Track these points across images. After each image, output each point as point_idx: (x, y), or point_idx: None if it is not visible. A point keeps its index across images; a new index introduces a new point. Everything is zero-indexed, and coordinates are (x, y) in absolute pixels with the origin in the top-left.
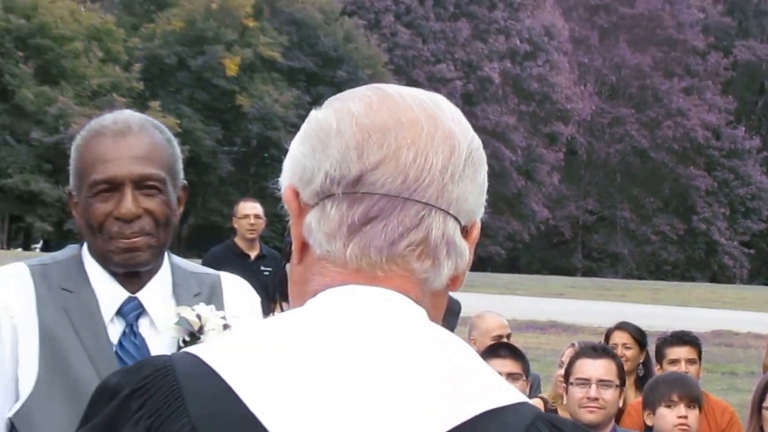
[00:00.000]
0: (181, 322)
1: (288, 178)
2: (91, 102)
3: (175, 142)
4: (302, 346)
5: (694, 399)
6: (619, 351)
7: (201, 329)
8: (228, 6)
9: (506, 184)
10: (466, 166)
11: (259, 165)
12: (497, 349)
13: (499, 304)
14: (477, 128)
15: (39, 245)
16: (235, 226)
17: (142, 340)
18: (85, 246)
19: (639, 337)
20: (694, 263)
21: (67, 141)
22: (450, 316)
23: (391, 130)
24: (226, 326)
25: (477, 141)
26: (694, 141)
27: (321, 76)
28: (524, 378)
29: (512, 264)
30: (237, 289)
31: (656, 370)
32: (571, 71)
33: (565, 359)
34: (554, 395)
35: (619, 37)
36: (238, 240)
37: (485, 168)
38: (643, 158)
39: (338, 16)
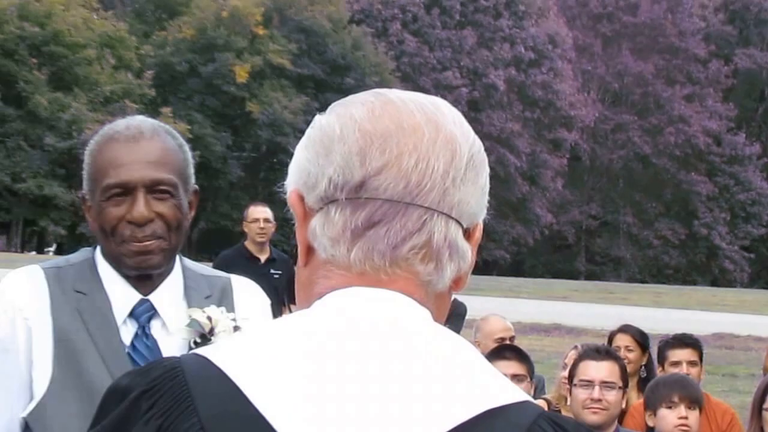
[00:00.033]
0: (193, 323)
1: (293, 182)
2: (103, 108)
3: (186, 147)
4: (309, 347)
5: (694, 400)
6: (622, 353)
7: (212, 331)
8: (238, 14)
9: (511, 189)
10: (468, 169)
11: (268, 170)
12: (502, 351)
13: (503, 307)
14: (482, 134)
15: (52, 249)
16: (245, 230)
17: (154, 341)
18: (98, 249)
19: (641, 339)
20: (696, 267)
21: (80, 146)
22: (456, 319)
23: (393, 136)
24: (236, 328)
25: (478, 144)
26: (695, 147)
27: (329, 83)
28: (529, 379)
29: (517, 268)
30: (247, 292)
31: (658, 372)
32: (575, 79)
33: (569, 361)
34: (558, 396)
35: (622, 45)
36: (248, 244)
37: (486, 170)
38: (646, 164)
39: (346, 24)
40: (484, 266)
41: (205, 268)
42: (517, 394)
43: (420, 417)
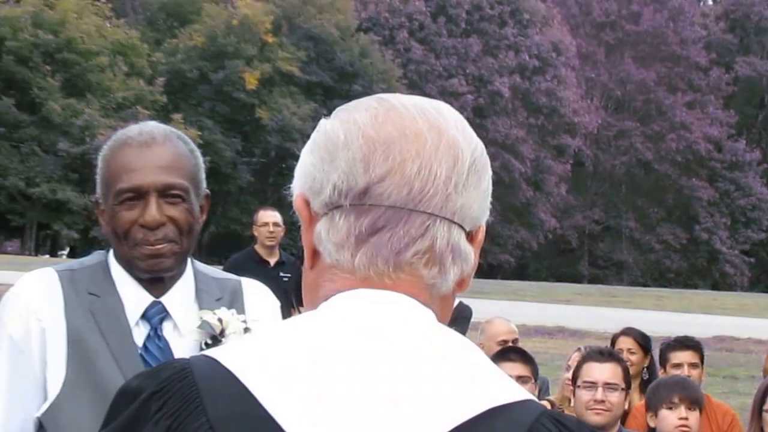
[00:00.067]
0: (204, 325)
1: (299, 186)
2: (116, 114)
3: (198, 152)
4: (316, 347)
5: (694, 401)
6: (625, 356)
7: (222, 332)
8: (248, 22)
9: (515, 194)
10: (470, 174)
11: (277, 175)
12: (507, 352)
13: (508, 310)
14: (487, 140)
15: (65, 252)
16: (255, 233)
17: (166, 343)
18: (111, 252)
19: (643, 342)
20: (697, 271)
21: (92, 151)
22: (461, 322)
23: (396, 143)
24: (246, 330)
25: (480, 147)
26: (696, 153)
27: (337, 90)
28: (533, 381)
29: (521, 271)
30: (258, 294)
31: (660, 374)
32: (578, 86)
33: (572, 363)
34: (561, 398)
35: (625, 53)
36: (258, 247)
37: (489, 173)
38: (648, 170)
39: (354, 32)
40: (489, 270)
41: (216, 271)
42: (519, 393)
43: (425, 416)
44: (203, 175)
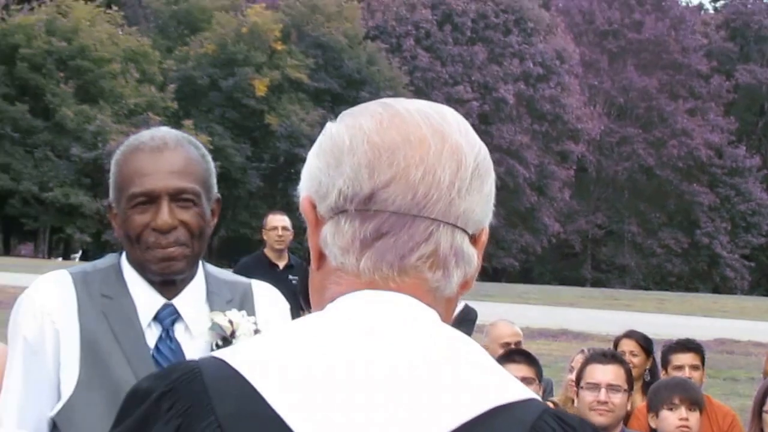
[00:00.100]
0: (215, 327)
1: (305, 189)
2: (127, 120)
3: (209, 157)
4: (322, 347)
5: (694, 402)
6: (627, 358)
7: (233, 334)
8: (257, 30)
9: (520, 199)
10: (473, 179)
11: (286, 180)
12: (512, 354)
13: (512, 312)
14: (492, 146)
15: (78, 255)
16: (264, 237)
17: (178, 344)
18: (123, 255)
19: (645, 344)
20: (698, 275)
21: (105, 157)
22: (467, 324)
23: (400, 149)
24: (256, 331)
25: (483, 151)
26: (697, 159)
27: (345, 97)
28: (537, 382)
29: (525, 275)
30: (268, 297)
31: (662, 376)
32: (582, 93)
33: (576, 364)
34: (565, 399)
35: (627, 61)
36: (267, 251)
37: (492, 176)
38: (650, 175)
39: (361, 40)
40: (494, 273)
41: (226, 274)
42: (522, 391)
43: (430, 414)
44: (214, 180)
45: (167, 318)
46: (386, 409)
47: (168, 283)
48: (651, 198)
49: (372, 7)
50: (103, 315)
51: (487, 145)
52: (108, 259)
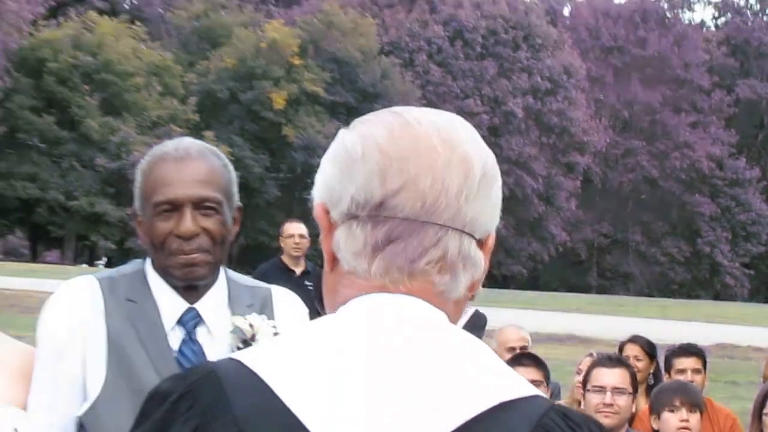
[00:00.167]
0: (236, 330)
1: (319, 195)
2: (150, 132)
3: (230, 167)
4: (335, 348)
5: (695, 404)
6: (631, 362)
7: (253, 337)
8: (276, 45)
9: (528, 209)
10: (480, 186)
11: (303, 190)
12: (520, 357)
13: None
14: (501, 158)
15: (102, 262)
16: (282, 244)
17: (200, 347)
18: (148, 261)
19: (649, 349)
20: (699, 282)
21: (128, 167)
22: (477, 329)
23: (411, 157)
24: (276, 335)
25: (491, 159)
26: (699, 171)
27: (360, 110)
28: (545, 385)
29: (533, 282)
30: (287, 301)
31: (665, 379)
32: (588, 107)
33: (583, 367)
34: (571, 401)
35: (632, 76)
36: (284, 257)
37: (499, 183)
38: (653, 186)
39: (376, 55)
40: (503, 280)
41: (247, 279)
42: (528, 389)
43: (439, 411)
44: (236, 189)
45: (190, 322)
46: (397, 407)
47: (191, 288)
48: (654, 208)
49: (386, 24)
50: (128, 319)
51: (496, 156)
52: (133, 265)
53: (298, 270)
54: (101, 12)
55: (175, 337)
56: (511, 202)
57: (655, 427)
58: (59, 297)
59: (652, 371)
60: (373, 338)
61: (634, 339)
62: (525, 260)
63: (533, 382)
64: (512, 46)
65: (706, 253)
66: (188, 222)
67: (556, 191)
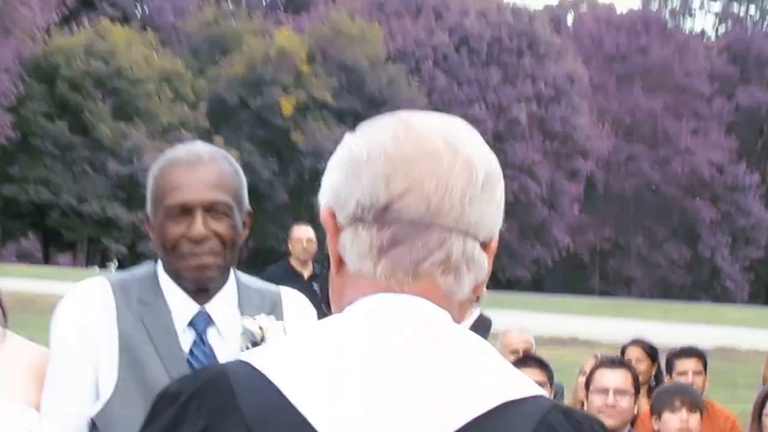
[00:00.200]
0: (246, 332)
1: (325, 199)
2: (161, 137)
3: (241, 172)
4: (342, 347)
5: (694, 405)
6: (633, 364)
7: (263, 338)
8: (284, 53)
9: (532, 214)
10: (484, 189)
11: (310, 194)
12: (525, 360)
13: (525, 320)
14: (506, 164)
15: (114, 265)
16: (290, 248)
17: (211, 348)
18: (159, 263)
19: (651, 351)
20: (700, 286)
21: (140, 172)
22: (482, 331)
23: (415, 161)
24: (285, 335)
25: (494, 162)
26: (700, 177)
27: (367, 116)
28: (549, 386)
29: (537, 285)
30: (295, 303)
31: (666, 381)
32: (591, 113)
33: (588, 368)
34: (574, 402)
35: (634, 83)
36: (292, 261)
37: (501, 185)
38: (655, 192)
39: (383, 62)
40: (507, 284)
41: (257, 282)
42: (532, 388)
43: (444, 410)
44: (246, 193)
45: (201, 323)
46: (403, 406)
47: (201, 291)
48: (656, 213)
49: (393, 32)
50: (140, 320)
51: (500, 162)
52: (145, 268)
53: (306, 273)
54: (113, 20)
55: (186, 339)
56: (515, 207)
57: (655, 427)
58: (72, 298)
59: (653, 373)
60: (374, 338)
61: (636, 341)
62: (529, 264)
63: (537, 383)
64: (517, 53)
65: (707, 257)
66: (199, 225)
67: (559, 196)
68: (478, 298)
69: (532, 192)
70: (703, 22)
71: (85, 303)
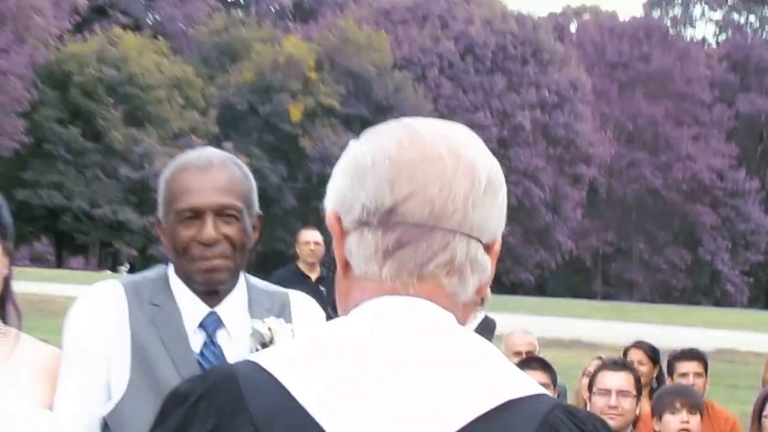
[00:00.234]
0: (255, 334)
1: (331, 204)
2: (172, 143)
3: (251, 176)
4: (347, 349)
5: (695, 406)
6: (635, 366)
7: (272, 340)
8: (293, 60)
9: (535, 218)
10: (486, 193)
11: (318, 199)
12: (529, 362)
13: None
14: (510, 169)
15: (125, 268)
16: (297, 251)
17: (220, 349)
18: (171, 266)
19: (652, 354)
20: (700, 289)
21: (151, 177)
22: (486, 334)
23: (419, 166)
24: (294, 337)
25: (496, 167)
26: (701, 182)
27: (373, 122)
28: (552, 388)
29: (540, 289)
30: (304, 306)
31: (667, 383)
32: (594, 120)
33: (592, 370)
34: (577, 404)
35: (636, 90)
36: (300, 264)
37: (504, 189)
38: (656, 197)
39: (389, 69)
40: (511, 287)
41: (266, 284)
42: (534, 387)
43: (447, 408)
44: (255, 197)
45: (211, 325)
46: (408, 406)
47: (212, 293)
48: (657, 218)
49: (399, 39)
50: (151, 322)
51: (504, 168)
52: (156, 270)
53: (314, 276)
54: (125, 27)
55: (197, 340)
56: (519, 212)
57: (656, 428)
58: (85, 300)
59: (655, 375)
60: (384, 340)
61: (638, 344)
62: (532, 268)
63: (541, 384)
64: (521, 61)
65: (707, 261)
66: (210, 229)
67: (562, 201)
68: (482, 302)
69: (536, 197)
70: (704, 30)
71: (98, 304)
